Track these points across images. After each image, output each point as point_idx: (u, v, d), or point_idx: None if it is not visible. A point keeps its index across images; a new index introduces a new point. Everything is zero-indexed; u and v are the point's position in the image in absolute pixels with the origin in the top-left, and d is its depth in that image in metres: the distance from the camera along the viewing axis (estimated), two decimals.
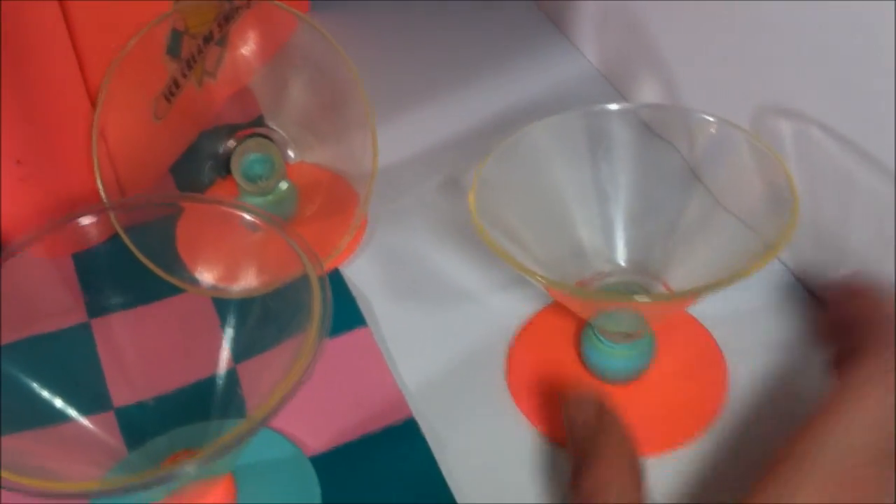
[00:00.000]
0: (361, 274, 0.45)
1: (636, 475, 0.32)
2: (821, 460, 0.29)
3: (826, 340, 0.37)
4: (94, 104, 0.42)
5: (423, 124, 0.53)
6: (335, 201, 0.47)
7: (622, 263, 0.41)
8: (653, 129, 0.42)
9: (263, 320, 0.37)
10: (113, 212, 0.36)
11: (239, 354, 0.37)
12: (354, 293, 0.44)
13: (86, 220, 0.36)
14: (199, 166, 0.46)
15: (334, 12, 0.60)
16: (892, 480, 0.29)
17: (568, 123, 0.40)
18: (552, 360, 0.41)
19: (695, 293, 0.33)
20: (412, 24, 0.60)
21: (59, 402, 0.36)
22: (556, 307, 0.43)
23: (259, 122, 0.48)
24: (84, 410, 0.36)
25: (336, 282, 0.44)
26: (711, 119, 0.39)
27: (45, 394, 0.36)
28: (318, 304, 0.32)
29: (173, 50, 0.45)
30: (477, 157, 0.51)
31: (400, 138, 0.51)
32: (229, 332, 0.38)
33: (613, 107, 0.40)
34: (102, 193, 0.40)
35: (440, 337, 0.43)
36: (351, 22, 0.59)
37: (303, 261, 0.34)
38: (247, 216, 0.37)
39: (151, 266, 0.39)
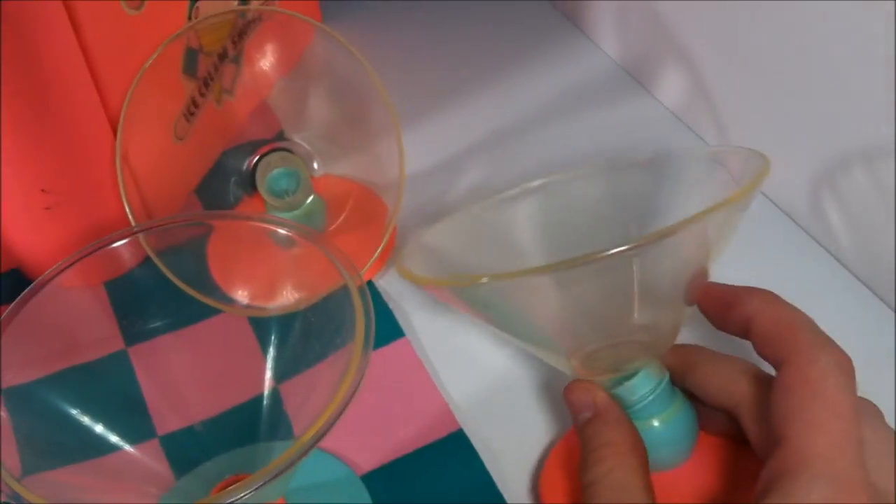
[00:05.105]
0: (395, 285, 0.44)
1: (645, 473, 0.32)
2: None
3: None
4: (114, 129, 0.41)
5: (445, 128, 0.52)
6: (363, 212, 0.46)
7: None
8: None
9: (304, 337, 0.36)
10: (142, 234, 0.36)
11: (281, 374, 0.37)
12: (390, 305, 0.43)
13: (116, 245, 0.35)
14: (224, 185, 0.45)
15: (346, 20, 0.59)
16: None
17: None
18: None
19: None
20: (425, 27, 0.59)
21: (102, 433, 0.35)
22: None
23: (281, 136, 0.47)
24: (128, 440, 0.36)
25: (371, 294, 0.43)
26: None
27: (88, 425, 0.35)
28: (360, 316, 0.31)
29: (189, 69, 0.44)
30: (504, 158, 0.50)
31: (423, 144, 0.51)
32: (269, 352, 0.37)
33: None
34: (131, 218, 0.39)
35: (479, 345, 0.42)
36: (363, 28, 0.59)
37: (341, 272, 0.34)
38: (280, 230, 0.36)
39: (186, 288, 0.38)
